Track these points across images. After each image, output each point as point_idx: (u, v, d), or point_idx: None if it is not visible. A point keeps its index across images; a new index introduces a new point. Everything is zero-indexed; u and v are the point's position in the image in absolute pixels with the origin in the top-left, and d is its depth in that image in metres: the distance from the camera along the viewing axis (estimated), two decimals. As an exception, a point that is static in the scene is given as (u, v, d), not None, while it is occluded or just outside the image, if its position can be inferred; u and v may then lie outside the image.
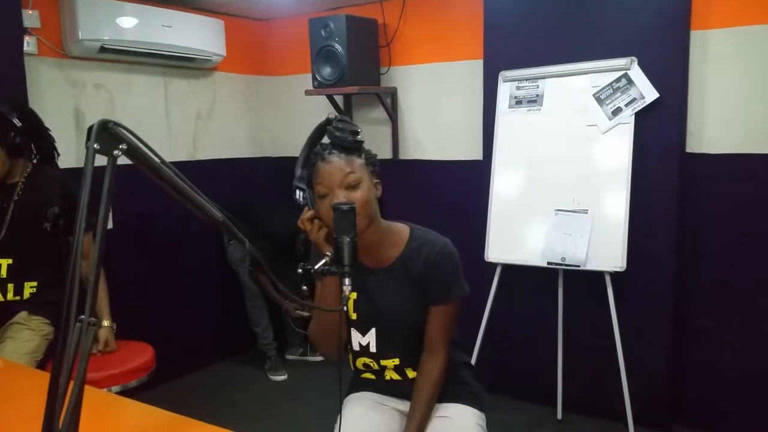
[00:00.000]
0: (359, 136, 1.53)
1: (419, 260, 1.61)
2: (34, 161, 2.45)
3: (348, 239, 1.34)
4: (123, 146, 1.01)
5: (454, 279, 1.62)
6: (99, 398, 1.40)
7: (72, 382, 0.94)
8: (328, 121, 1.53)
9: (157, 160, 1.09)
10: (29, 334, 2.32)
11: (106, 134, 1.00)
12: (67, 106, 3.16)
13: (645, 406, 2.87)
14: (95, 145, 0.97)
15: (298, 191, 1.55)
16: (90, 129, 0.98)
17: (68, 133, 3.13)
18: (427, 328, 1.64)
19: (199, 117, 3.83)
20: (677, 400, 2.99)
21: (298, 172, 1.55)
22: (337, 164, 1.49)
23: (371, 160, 1.57)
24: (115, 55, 3.21)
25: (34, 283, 2.39)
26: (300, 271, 1.38)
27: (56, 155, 2.51)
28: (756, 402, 2.79)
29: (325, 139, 1.56)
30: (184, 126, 3.75)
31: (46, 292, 2.40)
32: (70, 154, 2.97)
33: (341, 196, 1.46)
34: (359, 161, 1.52)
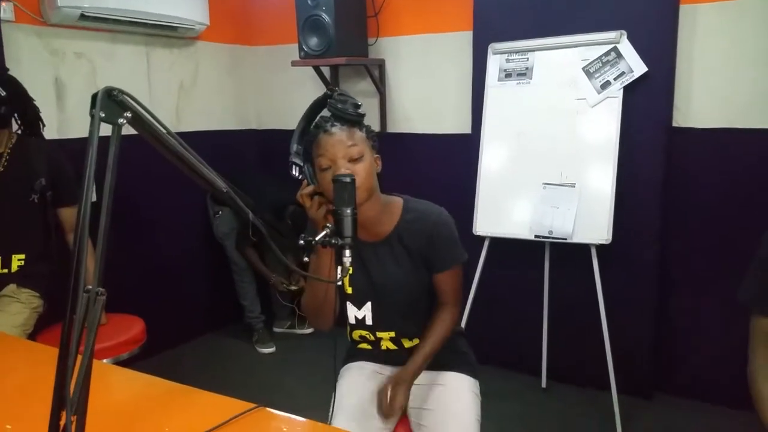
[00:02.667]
0: (361, 110, 1.52)
1: (416, 232, 1.63)
2: (19, 132, 2.40)
3: (349, 211, 1.35)
4: (128, 114, 1.00)
5: (452, 247, 1.66)
6: (100, 369, 1.40)
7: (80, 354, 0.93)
8: (327, 95, 1.52)
9: (162, 129, 1.08)
10: (19, 306, 2.30)
11: (111, 102, 0.98)
12: (47, 75, 3.08)
13: (628, 375, 2.94)
14: (100, 113, 0.96)
15: (294, 167, 1.54)
16: (95, 96, 0.96)
17: (49, 103, 3.05)
18: (437, 291, 1.69)
19: (182, 88, 3.77)
20: (660, 369, 3.07)
21: (294, 147, 1.54)
22: (339, 136, 1.49)
23: (371, 135, 1.57)
24: (96, 23, 3.13)
25: (22, 256, 2.36)
26: (301, 242, 1.38)
27: (42, 126, 2.45)
28: (736, 372, 2.87)
29: (325, 112, 1.55)
30: (167, 97, 3.69)
31: (34, 264, 2.38)
32: (51, 125, 2.91)
33: (344, 169, 1.46)
34: (361, 134, 1.52)
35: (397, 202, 1.68)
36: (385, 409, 1.56)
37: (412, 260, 1.64)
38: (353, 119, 1.51)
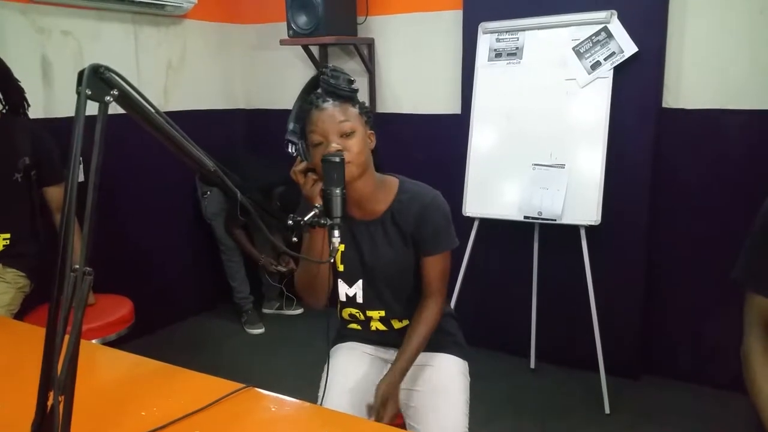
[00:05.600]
0: (354, 85, 1.51)
1: (409, 213, 1.62)
2: (3, 111, 2.36)
3: (338, 191, 1.35)
4: (114, 92, 0.98)
5: (444, 231, 1.64)
6: (88, 348, 1.39)
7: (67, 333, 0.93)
8: (321, 72, 1.51)
9: (149, 107, 1.07)
10: (4, 286, 2.28)
11: (97, 79, 0.96)
12: (33, 54, 3.02)
13: (616, 356, 2.97)
14: (87, 91, 0.94)
15: (290, 145, 1.52)
16: (81, 73, 0.94)
17: (35, 82, 3.00)
18: (423, 276, 1.67)
19: (170, 67, 3.72)
20: (648, 350, 3.10)
21: (290, 126, 1.53)
22: (331, 112, 1.47)
23: (365, 110, 1.56)
24: (83, 0, 3.08)
25: (7, 235, 2.34)
26: (290, 222, 1.37)
27: (26, 105, 2.42)
28: (723, 353, 2.90)
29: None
30: (155, 76, 3.65)
31: (19, 244, 2.36)
32: (38, 104, 2.87)
33: (336, 144, 1.45)
34: (354, 110, 1.51)
35: (393, 181, 1.67)
36: (376, 417, 1.54)
37: (403, 241, 1.64)
38: (346, 95, 1.50)
